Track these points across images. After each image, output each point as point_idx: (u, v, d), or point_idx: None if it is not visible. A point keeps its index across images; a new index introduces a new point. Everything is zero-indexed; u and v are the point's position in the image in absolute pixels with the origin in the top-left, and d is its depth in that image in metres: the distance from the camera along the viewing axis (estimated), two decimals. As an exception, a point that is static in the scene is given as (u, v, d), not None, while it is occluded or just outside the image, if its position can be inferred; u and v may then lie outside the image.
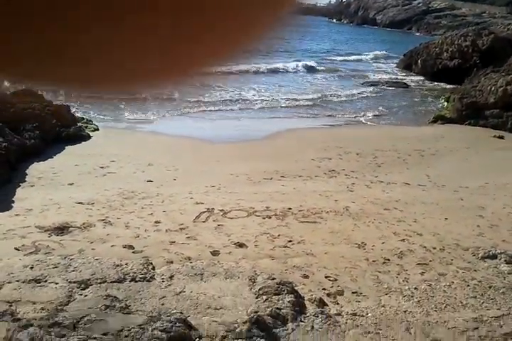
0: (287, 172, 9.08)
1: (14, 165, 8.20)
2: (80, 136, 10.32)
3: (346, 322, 3.96)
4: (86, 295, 4.25)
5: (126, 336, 3.34)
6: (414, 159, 10.57)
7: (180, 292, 4.46)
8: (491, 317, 4.18)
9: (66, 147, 9.72)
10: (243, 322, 3.55)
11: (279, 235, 6.11)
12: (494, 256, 5.83)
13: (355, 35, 58.33)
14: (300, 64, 26.55)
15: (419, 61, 25.37)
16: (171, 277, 4.76)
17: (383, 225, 6.67)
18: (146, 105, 15.36)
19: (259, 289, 4.43)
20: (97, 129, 11.35)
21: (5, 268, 4.64)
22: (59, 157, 9.11)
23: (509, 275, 5.34)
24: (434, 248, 5.97)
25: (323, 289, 4.78)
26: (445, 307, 4.50)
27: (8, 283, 4.32)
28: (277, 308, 4.05)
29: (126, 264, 5.00)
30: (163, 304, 4.20)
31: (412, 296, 4.71)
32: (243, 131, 12.76)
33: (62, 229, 5.81)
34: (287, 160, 9.94)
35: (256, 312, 3.92)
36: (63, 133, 10.04)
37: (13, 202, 6.83)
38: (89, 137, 10.61)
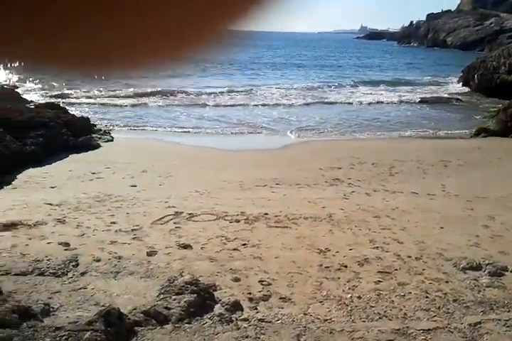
0: (285, 180, 8.49)
1: (9, 170, 8.25)
2: (88, 146, 10.34)
3: (237, 326, 3.35)
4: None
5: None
6: (436, 169, 9.60)
7: (80, 288, 4.06)
8: (419, 330, 3.41)
9: (70, 155, 9.73)
10: (94, 315, 3.07)
11: (235, 238, 5.57)
12: (478, 267, 4.95)
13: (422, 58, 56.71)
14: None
15: (475, 76, 23.81)
16: (83, 274, 4.38)
17: (362, 232, 5.94)
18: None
19: (162, 288, 3.94)
20: (111, 140, 11.36)
21: None
22: (57, 163, 9.10)
23: (486, 289, 4.47)
24: (409, 256, 5.17)
25: (249, 293, 4.19)
26: (379, 318, 3.76)
27: None
28: (165, 307, 3.53)
29: (48, 260, 4.70)
30: (50, 298, 3.82)
31: (347, 305, 4.00)
32: (258, 142, 12.35)
33: (8, 227, 5.62)
34: (291, 169, 9.35)
35: (134, 308, 3.43)
36: (71, 142, 10.10)
37: (-16, 201, 6.79)
38: (98, 147, 10.60)
